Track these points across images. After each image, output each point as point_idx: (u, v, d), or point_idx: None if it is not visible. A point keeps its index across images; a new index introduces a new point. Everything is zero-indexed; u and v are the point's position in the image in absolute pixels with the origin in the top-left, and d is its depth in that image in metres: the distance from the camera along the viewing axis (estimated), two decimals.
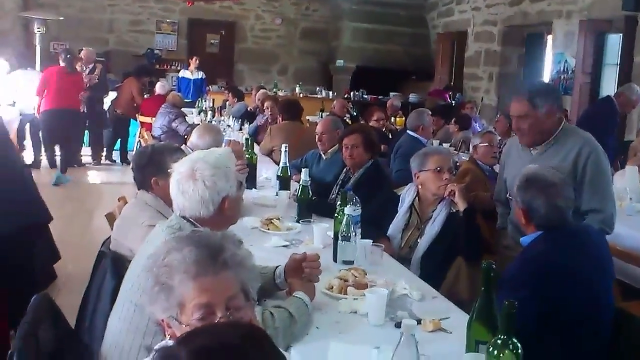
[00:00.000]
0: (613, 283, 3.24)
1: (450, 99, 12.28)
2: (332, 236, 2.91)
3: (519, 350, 1.56)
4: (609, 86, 9.73)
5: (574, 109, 10.11)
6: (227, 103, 9.80)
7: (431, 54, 14.09)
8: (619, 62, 9.34)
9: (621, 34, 9.11)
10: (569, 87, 10.46)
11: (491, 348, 1.57)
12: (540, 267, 2.28)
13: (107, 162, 9.41)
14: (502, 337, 1.57)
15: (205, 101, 9.93)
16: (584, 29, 9.87)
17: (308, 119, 9.51)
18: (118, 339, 2.00)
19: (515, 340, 1.56)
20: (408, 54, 13.92)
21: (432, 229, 3.16)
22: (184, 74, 11.76)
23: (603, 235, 2.62)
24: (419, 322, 2.12)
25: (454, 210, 3.18)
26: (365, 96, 13.13)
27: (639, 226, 3.97)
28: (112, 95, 9.69)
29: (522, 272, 2.30)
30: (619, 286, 3.50)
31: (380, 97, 12.79)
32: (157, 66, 13.24)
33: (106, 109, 9.46)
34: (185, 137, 7.00)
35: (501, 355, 1.54)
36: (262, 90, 9.31)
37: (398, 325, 2.10)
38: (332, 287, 2.45)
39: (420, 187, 3.29)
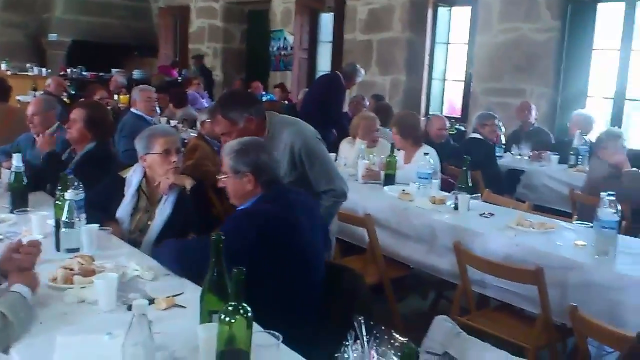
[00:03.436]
0: (335, 242, 3.58)
1: (178, 74, 12.16)
2: (54, 224, 2.70)
3: (249, 314, 1.60)
4: (324, 61, 10.55)
5: (294, 83, 10.76)
6: None
7: (154, 29, 13.76)
8: (332, 39, 10.15)
9: (333, 13, 9.91)
10: (288, 63, 11.09)
11: (222, 315, 1.60)
12: (264, 223, 2.39)
13: None
14: (233, 303, 1.60)
15: None
16: (300, 8, 10.52)
17: (19, 100, 8.66)
18: None
19: (246, 305, 1.60)
20: (129, 28, 13.40)
21: (164, 211, 3.08)
22: None
23: (309, 194, 2.79)
24: (152, 301, 2.10)
25: (183, 189, 3.15)
26: (85, 73, 12.35)
27: (353, 189, 4.39)
28: None
29: (249, 233, 2.37)
30: (339, 244, 3.86)
31: (101, 74, 12.15)
32: None
33: None
34: None
35: (232, 321, 1.58)
36: None
37: (130, 307, 2.03)
38: (56, 279, 2.28)
39: (147, 169, 3.18)
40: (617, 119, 6.65)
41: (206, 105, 8.43)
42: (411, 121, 4.86)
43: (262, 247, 2.32)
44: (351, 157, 4.96)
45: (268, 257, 2.33)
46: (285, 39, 11.09)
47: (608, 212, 3.04)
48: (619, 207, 3.09)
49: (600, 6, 6.87)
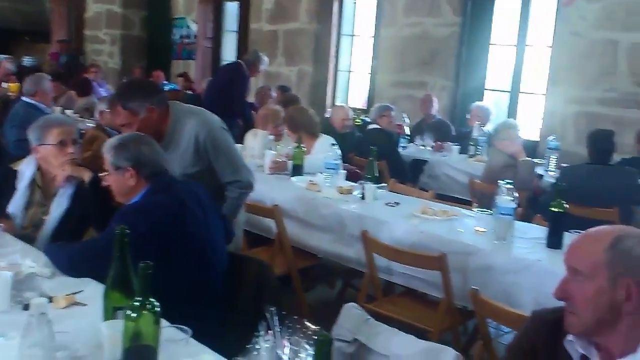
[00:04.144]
0: (242, 233, 3.54)
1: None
2: None
3: (157, 309, 1.55)
4: (230, 51, 10.39)
5: (197, 72, 10.56)
6: None
7: (46, 13, 13.07)
8: (237, 29, 10.02)
9: (238, 2, 9.78)
10: (192, 52, 10.85)
11: (128, 311, 1.54)
12: (154, 216, 2.35)
13: None
14: (139, 299, 1.55)
15: None
16: None
17: None
18: None
19: (153, 300, 1.55)
20: (18, 12, 12.67)
21: (60, 205, 2.92)
22: None
23: (198, 183, 2.74)
24: (50, 299, 1.99)
25: (81, 182, 3.00)
26: None
27: (260, 180, 4.34)
28: None
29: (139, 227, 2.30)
30: (247, 235, 3.82)
31: None
32: None
33: None
34: None
35: (139, 316, 1.53)
36: None
37: (26, 307, 1.92)
38: None
39: (41, 161, 2.99)
40: (512, 111, 6.97)
41: (104, 94, 8.09)
42: (299, 116, 4.87)
43: (155, 240, 2.27)
44: (257, 148, 4.92)
45: (163, 250, 2.27)
46: (188, 27, 10.84)
47: (505, 199, 3.18)
48: (516, 195, 3.24)
49: (497, 3, 7.16)
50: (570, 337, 1.61)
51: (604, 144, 4.25)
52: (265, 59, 7.33)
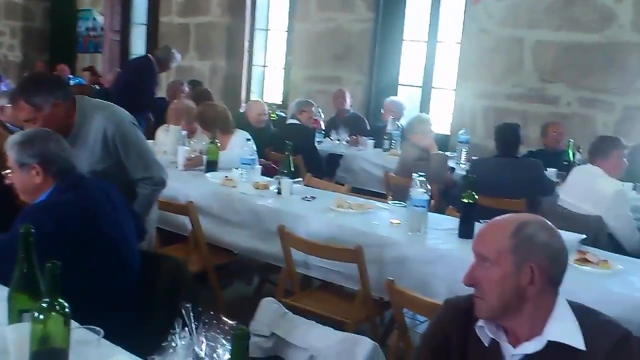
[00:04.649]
0: (155, 231, 3.45)
1: None
2: None
3: (67, 310, 1.49)
4: (139, 45, 10.10)
5: (105, 66, 10.21)
6: None
7: None
8: (147, 22, 9.75)
9: None
10: (99, 45, 10.49)
11: (36, 313, 1.47)
12: (62, 215, 2.26)
13: None
14: (47, 300, 1.48)
15: None
16: None
17: None
18: None
19: (62, 301, 1.49)
20: None
21: None
22: None
23: (106, 180, 2.67)
24: None
25: None
26: None
27: (173, 176, 4.22)
28: None
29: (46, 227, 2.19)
30: (160, 233, 3.73)
31: None
32: None
33: None
34: None
35: (47, 318, 1.46)
36: None
37: None
38: None
39: None
40: (425, 105, 7.15)
41: (4, 88, 7.67)
42: (210, 113, 4.78)
43: (63, 239, 2.19)
44: (169, 144, 4.81)
45: (72, 250, 2.19)
46: (94, 19, 10.45)
47: (419, 192, 3.26)
48: (429, 187, 3.33)
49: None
50: (480, 323, 1.66)
51: (511, 137, 4.42)
52: (178, 55, 7.16)
